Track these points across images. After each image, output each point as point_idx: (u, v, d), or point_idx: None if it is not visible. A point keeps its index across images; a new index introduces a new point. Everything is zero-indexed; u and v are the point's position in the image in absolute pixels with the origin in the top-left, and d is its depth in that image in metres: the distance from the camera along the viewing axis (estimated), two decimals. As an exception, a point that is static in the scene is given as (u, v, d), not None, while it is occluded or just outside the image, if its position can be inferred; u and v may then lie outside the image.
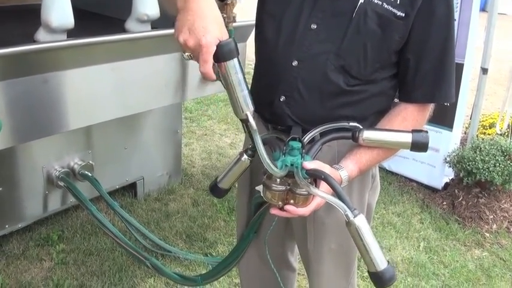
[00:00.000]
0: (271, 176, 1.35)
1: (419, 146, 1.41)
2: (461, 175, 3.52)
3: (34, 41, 2.10)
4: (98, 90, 2.24)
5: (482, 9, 4.47)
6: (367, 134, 1.44)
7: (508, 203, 3.54)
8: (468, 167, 3.39)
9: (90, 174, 2.91)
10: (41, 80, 2.03)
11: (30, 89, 2.01)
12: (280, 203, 1.37)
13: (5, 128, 1.91)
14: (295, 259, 1.98)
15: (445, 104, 1.63)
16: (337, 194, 1.29)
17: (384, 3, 1.41)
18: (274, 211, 1.40)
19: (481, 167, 3.33)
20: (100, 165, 3.07)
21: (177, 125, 3.59)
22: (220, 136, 4.79)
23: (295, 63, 1.48)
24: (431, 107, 1.54)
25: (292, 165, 1.34)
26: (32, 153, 2.76)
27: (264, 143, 1.47)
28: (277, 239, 1.81)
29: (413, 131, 1.42)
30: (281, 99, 1.51)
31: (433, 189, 3.88)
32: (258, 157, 1.35)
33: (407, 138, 1.42)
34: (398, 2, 1.40)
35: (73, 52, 2.10)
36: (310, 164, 1.35)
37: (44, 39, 2.08)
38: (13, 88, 1.95)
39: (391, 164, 4.07)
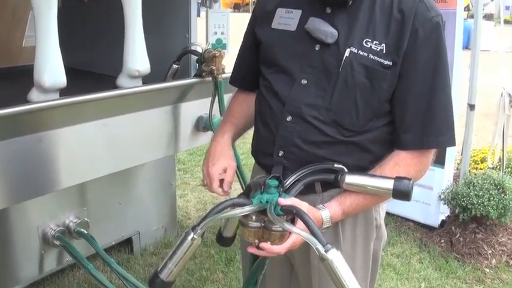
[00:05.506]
0: (249, 213, 1.36)
1: (400, 193, 1.40)
2: (456, 211, 3.51)
3: (27, 101, 2.12)
4: (92, 146, 2.26)
5: (466, 47, 4.58)
6: (349, 179, 1.45)
7: (506, 237, 3.53)
8: (463, 203, 3.40)
9: (86, 232, 2.88)
10: (35, 139, 2.04)
11: (24, 149, 2.02)
12: (256, 241, 1.37)
13: (-1, 190, 1.91)
14: None
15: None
16: (308, 228, 1.29)
17: (370, 54, 1.43)
18: (251, 249, 1.40)
19: (475, 202, 3.33)
20: (95, 221, 3.04)
21: (171, 177, 3.59)
22: (215, 186, 4.76)
23: (289, 118, 1.51)
24: (431, 152, 1.52)
25: (267, 202, 1.35)
26: (27, 213, 2.74)
27: (251, 187, 1.49)
28: None
29: (396, 178, 1.41)
30: (280, 154, 1.54)
31: (430, 228, 3.86)
32: None
33: (389, 185, 1.41)
34: (384, 52, 1.42)
35: (66, 111, 2.12)
36: (286, 201, 1.36)
37: (37, 99, 2.10)
38: (7, 149, 1.96)
39: (386, 205, 4.06)
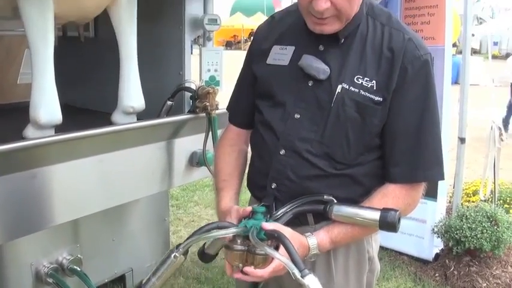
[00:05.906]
0: (234, 238, 1.40)
1: (386, 224, 1.42)
2: (450, 244, 3.52)
3: (23, 138, 2.13)
4: (87, 182, 2.26)
5: (455, 81, 4.66)
6: (337, 209, 1.47)
7: (500, 269, 3.53)
8: (456, 236, 3.41)
9: (79, 269, 2.85)
10: (30, 175, 2.04)
11: (19, 186, 2.02)
12: (240, 264, 1.40)
13: (-7, 227, 1.91)
14: None
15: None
16: (288, 252, 1.32)
17: (361, 91, 1.46)
18: (237, 275, 1.42)
19: (469, 235, 3.34)
20: (88, 258, 3.01)
21: (164, 213, 3.57)
22: (208, 222, 4.75)
23: (282, 151, 1.54)
24: (421, 187, 1.54)
25: (252, 226, 1.38)
26: (20, 250, 2.71)
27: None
28: None
29: (383, 209, 1.44)
30: (272, 187, 1.56)
31: (424, 261, 3.85)
32: None
33: (375, 216, 1.43)
34: (375, 88, 1.46)
35: (62, 147, 2.13)
36: (270, 225, 1.39)
37: (33, 136, 2.12)
38: (1, 186, 1.96)
39: (380, 238, 4.06)
